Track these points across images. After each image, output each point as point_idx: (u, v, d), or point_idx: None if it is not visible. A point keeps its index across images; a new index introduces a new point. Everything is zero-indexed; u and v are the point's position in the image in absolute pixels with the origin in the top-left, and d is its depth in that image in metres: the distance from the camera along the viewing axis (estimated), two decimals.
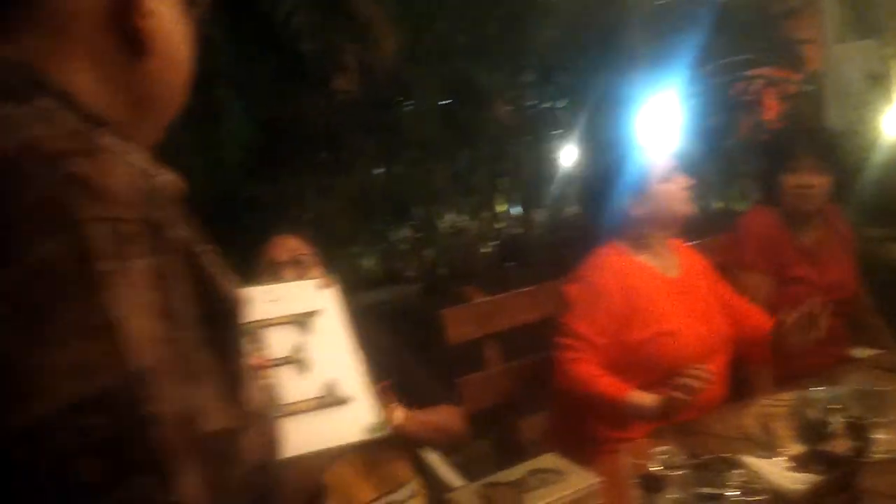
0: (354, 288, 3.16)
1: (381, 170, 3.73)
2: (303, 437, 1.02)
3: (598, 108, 3.94)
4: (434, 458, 2.10)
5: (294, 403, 1.09)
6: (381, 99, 3.67)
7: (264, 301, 1.16)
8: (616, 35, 4.04)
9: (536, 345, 2.28)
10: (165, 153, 0.76)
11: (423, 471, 1.97)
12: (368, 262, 3.41)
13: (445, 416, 1.94)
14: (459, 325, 2.27)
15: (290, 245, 1.90)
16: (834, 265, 2.51)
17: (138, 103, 0.77)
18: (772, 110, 4.56)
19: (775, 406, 1.81)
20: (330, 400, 1.12)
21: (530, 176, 4.08)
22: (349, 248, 3.40)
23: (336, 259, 2.56)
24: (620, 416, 1.89)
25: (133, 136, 0.71)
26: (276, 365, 1.11)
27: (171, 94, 0.81)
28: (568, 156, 4.17)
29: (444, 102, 3.88)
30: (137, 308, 0.57)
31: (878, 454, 1.46)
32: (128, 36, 0.73)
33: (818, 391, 1.69)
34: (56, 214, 0.56)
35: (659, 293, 2.05)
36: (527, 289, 2.41)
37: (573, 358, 1.96)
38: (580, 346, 1.97)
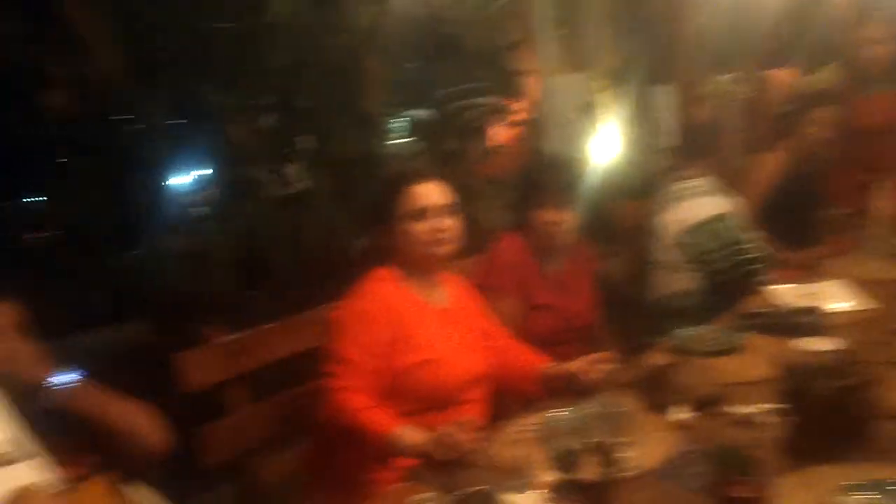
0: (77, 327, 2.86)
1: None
2: None
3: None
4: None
5: None
6: (102, 117, 3.36)
7: None
8: (352, 61, 4.04)
9: (287, 380, 2.18)
10: None
11: None
12: (95, 296, 3.07)
13: None
14: (199, 369, 2.10)
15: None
16: (577, 296, 2.66)
17: None
18: (499, 138, 4.81)
19: (524, 432, 1.87)
20: None
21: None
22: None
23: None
24: (384, 450, 1.85)
25: None
26: None
27: None
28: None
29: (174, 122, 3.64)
30: None
31: (628, 472, 1.53)
32: None
33: (560, 414, 1.76)
34: None
35: (424, 322, 2.07)
36: (274, 324, 2.30)
37: (341, 386, 1.91)
38: (348, 371, 1.92)
